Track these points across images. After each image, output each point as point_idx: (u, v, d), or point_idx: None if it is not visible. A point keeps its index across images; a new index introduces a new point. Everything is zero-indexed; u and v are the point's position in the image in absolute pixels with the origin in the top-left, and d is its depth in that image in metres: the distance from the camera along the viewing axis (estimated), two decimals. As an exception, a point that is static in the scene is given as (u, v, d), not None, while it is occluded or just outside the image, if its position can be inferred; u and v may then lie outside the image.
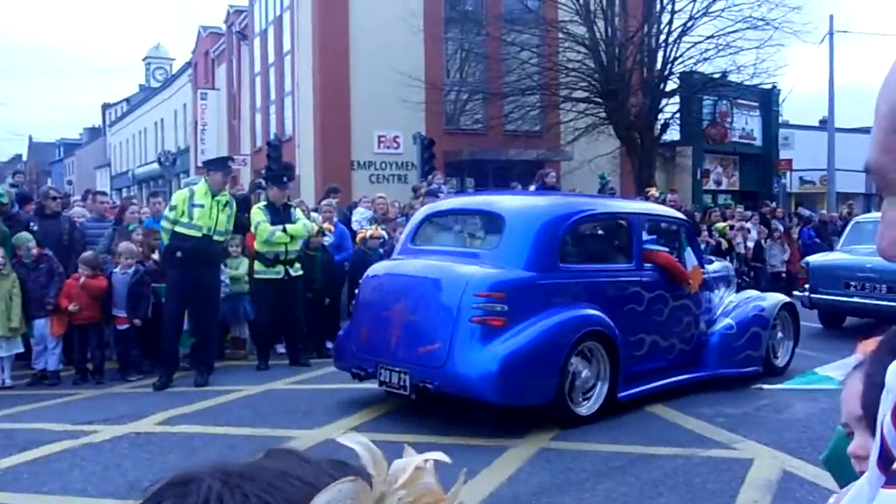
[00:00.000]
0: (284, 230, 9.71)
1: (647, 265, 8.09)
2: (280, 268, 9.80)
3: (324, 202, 12.33)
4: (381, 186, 20.51)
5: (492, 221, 7.79)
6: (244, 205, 10.39)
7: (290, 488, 0.61)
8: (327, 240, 11.25)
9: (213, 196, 8.88)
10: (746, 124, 29.53)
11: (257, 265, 9.92)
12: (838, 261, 12.59)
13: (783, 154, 30.95)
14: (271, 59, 29.08)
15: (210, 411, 7.83)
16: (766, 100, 28.60)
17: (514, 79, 23.73)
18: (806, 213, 22.47)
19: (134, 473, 5.87)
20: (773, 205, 21.55)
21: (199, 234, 8.79)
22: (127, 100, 62.79)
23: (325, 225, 11.21)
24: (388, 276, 7.74)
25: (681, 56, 23.19)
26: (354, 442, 0.64)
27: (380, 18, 22.56)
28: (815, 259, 13.19)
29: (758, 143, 29.77)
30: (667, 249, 8.51)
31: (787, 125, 33.03)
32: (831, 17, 28.43)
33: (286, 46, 27.10)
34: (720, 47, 22.67)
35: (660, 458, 6.22)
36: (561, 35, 22.92)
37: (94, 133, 70.92)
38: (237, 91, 34.42)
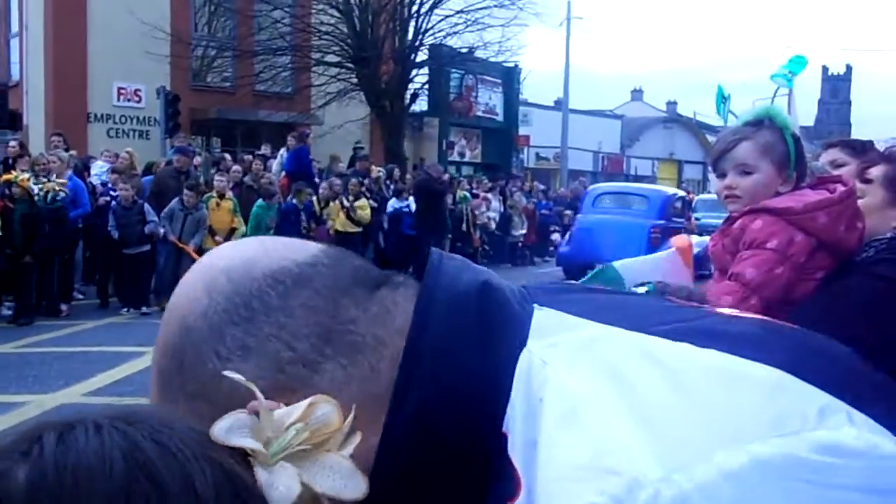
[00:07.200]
0: None
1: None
2: None
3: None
4: (121, 142, 19.37)
5: (640, 196, 16.37)
6: None
7: (179, 429, 0.59)
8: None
9: None
10: (490, 100, 30.82)
11: None
12: None
13: (522, 130, 32.67)
14: (-5, -5, 26.44)
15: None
16: (509, 78, 29.98)
17: (265, 37, 23.19)
18: (541, 186, 23.91)
19: None
20: (525, 178, 22.74)
21: None
22: None
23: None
24: (595, 222, 15.38)
25: (431, 28, 23.72)
26: (245, 380, 0.65)
27: (122, -38, 21.15)
28: None
29: (500, 118, 31.20)
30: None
31: (526, 103, 34.85)
32: (569, 3, 30.33)
33: (13, -18, 24.76)
34: (469, 22, 23.43)
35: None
36: (314, -4, 22.70)
37: None
38: (-47, 28, 30.97)
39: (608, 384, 0.64)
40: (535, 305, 0.75)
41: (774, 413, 0.61)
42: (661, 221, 15.27)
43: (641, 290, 1.50)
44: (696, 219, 18.22)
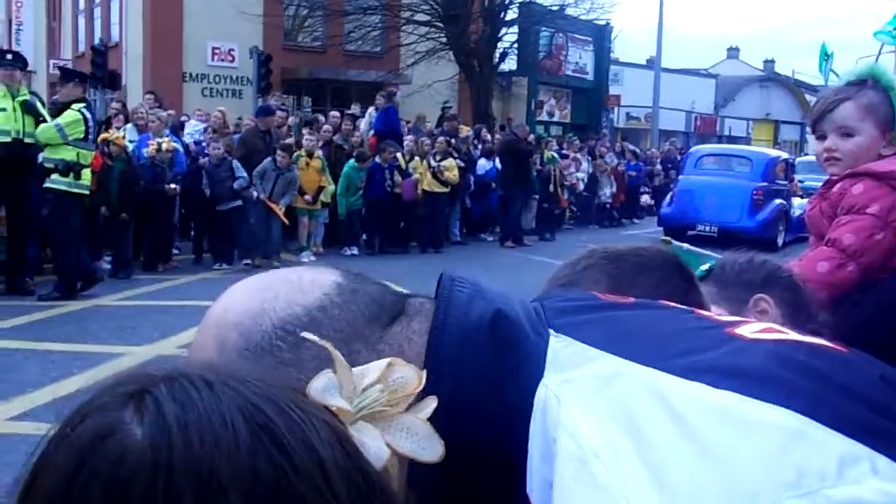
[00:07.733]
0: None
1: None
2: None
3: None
4: (216, 101, 19.78)
5: (743, 158, 16.86)
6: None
7: (281, 382, 0.59)
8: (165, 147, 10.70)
9: (14, 97, 8.24)
10: (580, 59, 30.31)
11: None
12: None
13: (612, 90, 32.04)
14: (96, -44, 27.18)
15: (31, 326, 7.47)
16: (599, 36, 29.42)
17: (355, -4, 23.31)
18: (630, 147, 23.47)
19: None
20: (615, 138, 22.37)
21: (9, 139, 8.17)
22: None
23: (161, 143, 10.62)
24: (698, 183, 16.01)
25: (522, -15, 23.45)
26: (321, 339, 0.65)
27: (216, -78, 21.45)
28: None
29: (590, 77, 30.67)
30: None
31: (617, 62, 34.14)
32: (664, -42, 29.37)
33: (113, -56, 25.36)
34: (560, -21, 23.08)
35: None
36: (405, -46, 22.64)
37: None
38: (57, -10, 31.99)
39: (621, 433, 0.62)
40: (552, 331, 0.74)
41: (791, 468, 0.57)
42: (764, 184, 15.63)
43: (705, 266, 1.51)
44: (799, 181, 17.73)
